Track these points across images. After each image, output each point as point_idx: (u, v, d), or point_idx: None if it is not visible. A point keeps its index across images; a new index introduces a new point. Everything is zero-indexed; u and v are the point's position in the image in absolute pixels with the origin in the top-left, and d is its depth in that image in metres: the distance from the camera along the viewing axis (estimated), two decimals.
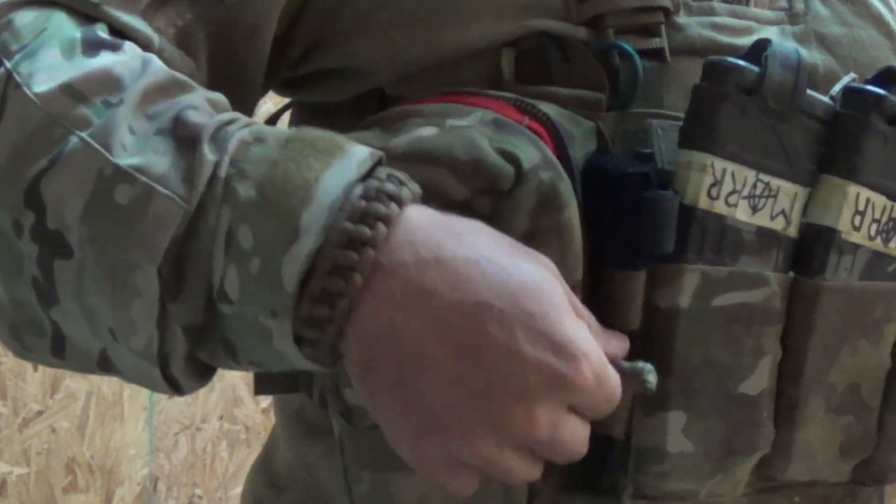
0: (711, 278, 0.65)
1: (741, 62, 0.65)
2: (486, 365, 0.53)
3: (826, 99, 0.68)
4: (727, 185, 0.65)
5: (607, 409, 0.56)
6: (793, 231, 0.68)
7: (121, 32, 0.62)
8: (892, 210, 0.69)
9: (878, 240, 0.69)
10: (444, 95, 0.65)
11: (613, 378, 0.56)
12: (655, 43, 0.69)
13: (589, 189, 0.63)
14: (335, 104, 0.73)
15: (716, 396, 0.66)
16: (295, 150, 0.55)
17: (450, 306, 0.53)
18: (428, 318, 0.53)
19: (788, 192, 0.67)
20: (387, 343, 0.53)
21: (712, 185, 0.64)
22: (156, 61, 0.60)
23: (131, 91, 0.57)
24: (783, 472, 0.70)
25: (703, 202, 0.64)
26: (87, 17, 0.62)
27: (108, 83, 0.58)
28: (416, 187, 0.56)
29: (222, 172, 0.55)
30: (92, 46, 0.59)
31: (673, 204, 0.63)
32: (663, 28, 0.69)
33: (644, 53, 0.68)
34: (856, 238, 0.68)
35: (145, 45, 0.62)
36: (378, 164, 0.55)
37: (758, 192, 0.66)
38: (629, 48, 0.68)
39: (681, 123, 0.66)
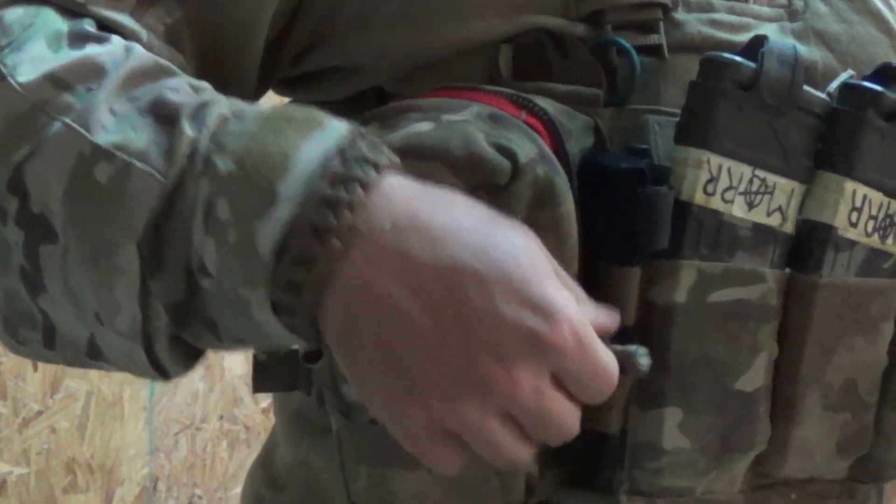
0: (707, 274, 0.65)
1: (738, 58, 0.65)
2: (463, 325, 0.52)
3: (823, 95, 0.68)
4: (723, 182, 0.65)
5: (598, 386, 0.55)
6: (789, 227, 0.68)
7: (108, 28, 0.62)
8: (888, 206, 0.69)
9: (875, 236, 0.69)
10: (440, 90, 0.65)
11: (601, 350, 0.55)
12: (653, 39, 0.69)
13: (585, 184, 0.63)
14: (334, 103, 0.73)
15: (712, 393, 0.66)
16: (274, 124, 0.55)
17: (427, 269, 0.52)
18: (405, 280, 0.52)
19: (785, 189, 0.67)
20: (365, 307, 0.53)
21: (708, 182, 0.64)
22: (139, 48, 0.60)
23: (113, 75, 0.58)
24: (780, 469, 0.70)
25: (699, 198, 0.64)
26: (74, 14, 0.62)
27: (92, 71, 0.58)
28: (394, 157, 0.56)
29: (201, 147, 0.55)
30: (78, 39, 0.60)
31: (667, 200, 0.63)
32: (661, 24, 0.69)
33: (642, 50, 0.68)
34: (852, 235, 0.68)
35: (133, 40, 0.62)
36: (357, 137, 0.55)
37: (754, 188, 0.66)
38: (627, 44, 0.68)
39: (678, 119, 0.66)
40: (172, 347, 0.57)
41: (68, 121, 0.56)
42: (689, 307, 0.65)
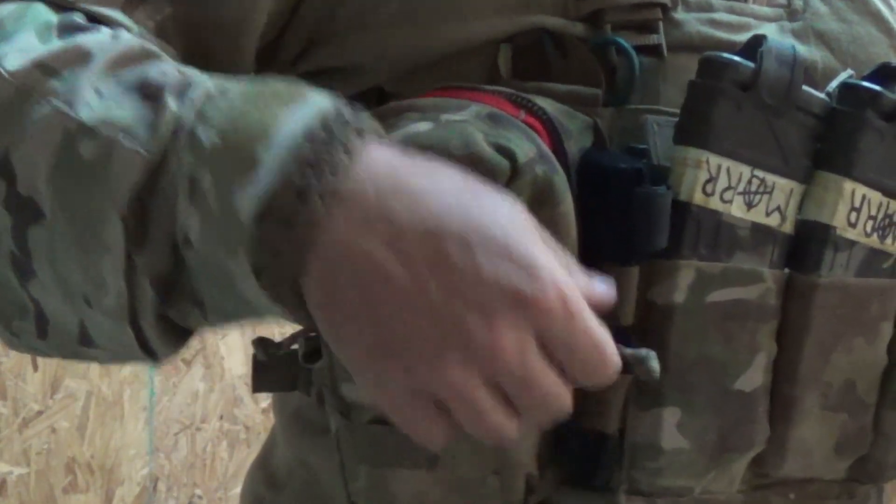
0: (706, 274, 0.65)
1: (736, 58, 0.65)
2: (445, 283, 0.51)
3: (822, 95, 0.68)
4: (722, 182, 0.65)
5: (590, 360, 0.54)
6: (788, 227, 0.68)
7: (98, 21, 0.62)
8: (887, 206, 0.69)
9: (875, 236, 0.69)
10: (439, 90, 0.65)
11: (592, 321, 0.54)
12: (653, 39, 0.69)
13: (583, 184, 0.63)
14: None
15: (711, 393, 0.66)
16: (259, 98, 0.55)
17: (409, 229, 0.52)
18: (387, 241, 0.52)
19: (784, 189, 0.67)
20: (347, 269, 0.52)
21: (707, 182, 0.64)
22: (127, 34, 0.61)
23: (100, 58, 0.58)
24: (778, 469, 0.70)
25: (698, 198, 0.64)
26: (65, 9, 0.62)
27: (79, 56, 0.58)
28: (378, 126, 0.56)
29: (186, 122, 0.54)
30: (67, 30, 0.60)
31: (665, 200, 0.63)
32: (661, 24, 0.69)
33: (641, 49, 0.68)
34: (851, 235, 0.68)
35: None
36: (340, 106, 0.55)
37: (753, 188, 0.66)
38: (626, 44, 0.68)
39: (677, 119, 0.66)
40: (160, 326, 0.57)
41: (54, 101, 0.56)
42: (688, 307, 0.65)
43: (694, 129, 0.65)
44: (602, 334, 0.54)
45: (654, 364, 0.61)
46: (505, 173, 0.59)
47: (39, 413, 2.06)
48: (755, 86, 0.65)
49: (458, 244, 0.52)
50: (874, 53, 0.75)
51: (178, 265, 0.56)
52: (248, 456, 2.28)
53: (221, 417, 2.32)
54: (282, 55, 0.71)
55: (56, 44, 0.59)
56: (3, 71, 0.58)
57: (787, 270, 0.68)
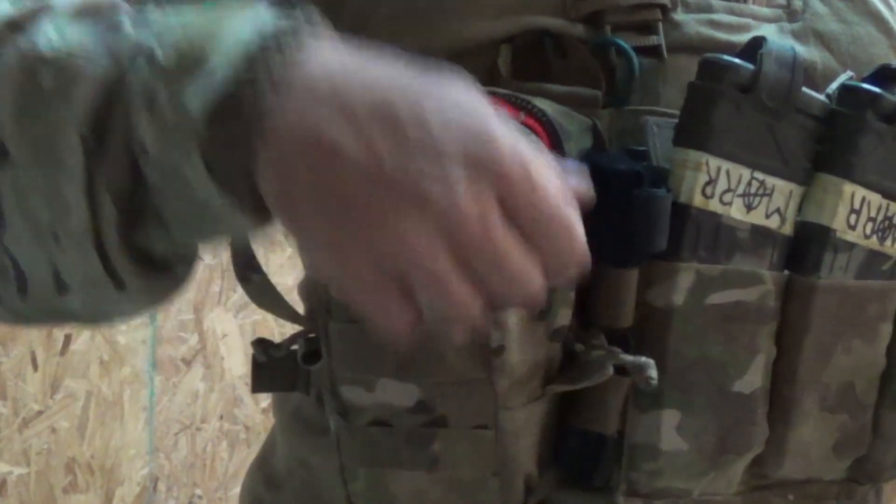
0: (706, 277, 0.65)
1: (736, 60, 0.64)
2: (399, 148, 0.50)
3: (822, 97, 0.68)
4: (722, 184, 0.65)
5: (556, 233, 0.51)
6: (788, 229, 0.68)
7: None
8: (887, 209, 0.69)
9: (874, 238, 0.69)
10: None
11: (555, 193, 0.51)
12: (652, 40, 0.69)
13: None
14: None
15: (710, 395, 0.66)
16: (211, 13, 0.55)
17: (360, 103, 0.51)
18: (337, 117, 0.51)
19: (783, 191, 0.67)
20: (298, 150, 0.51)
21: (707, 184, 0.64)
22: None
23: (63, 4, 0.58)
24: (777, 470, 0.70)
25: (698, 200, 0.64)
26: None
27: (44, 9, 0.58)
28: (328, 23, 0.55)
29: (143, 45, 0.55)
30: None
31: (665, 202, 0.63)
32: (660, 25, 0.69)
33: (641, 50, 0.68)
34: (851, 237, 0.68)
35: None
36: (291, 9, 0.54)
37: (752, 190, 0.66)
38: (626, 45, 0.68)
39: (677, 121, 0.66)
40: (125, 250, 0.57)
41: (18, 44, 0.57)
42: (688, 309, 0.65)
43: (694, 131, 0.65)
44: (569, 212, 0.52)
45: (653, 372, 0.61)
46: None
47: (39, 413, 2.06)
48: (755, 88, 0.64)
49: (410, 112, 0.50)
50: (874, 54, 0.75)
51: (138, 180, 0.55)
52: (248, 456, 2.28)
53: (221, 417, 2.32)
54: None
55: (26, 4, 0.59)
56: None
57: (786, 272, 0.68)
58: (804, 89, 0.66)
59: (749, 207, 0.66)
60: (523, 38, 0.68)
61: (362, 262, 0.51)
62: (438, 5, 0.68)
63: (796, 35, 0.73)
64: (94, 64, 0.55)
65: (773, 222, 0.67)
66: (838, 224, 0.68)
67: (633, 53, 0.67)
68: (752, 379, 0.67)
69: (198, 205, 0.54)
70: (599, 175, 0.63)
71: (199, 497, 2.32)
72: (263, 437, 0.89)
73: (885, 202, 0.69)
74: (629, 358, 0.62)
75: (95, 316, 0.63)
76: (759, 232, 0.66)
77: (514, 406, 0.64)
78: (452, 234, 0.50)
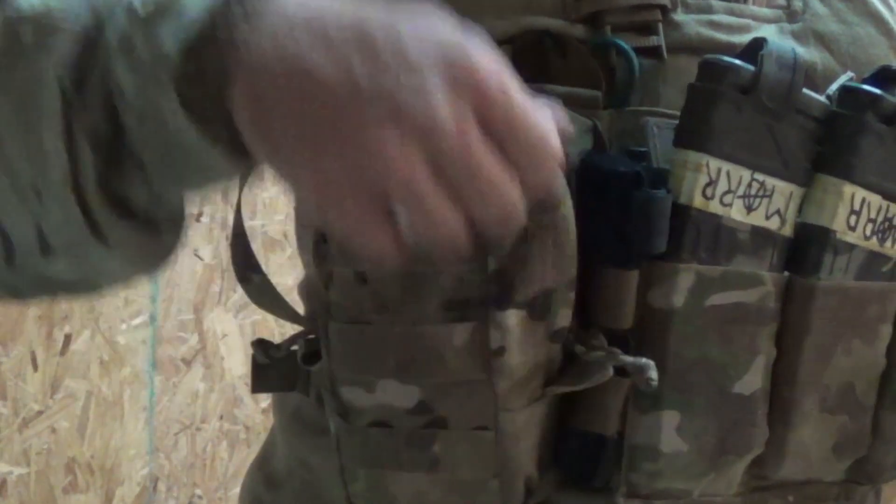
0: (706, 278, 0.65)
1: (737, 61, 0.64)
2: (372, 63, 0.50)
3: (822, 98, 0.68)
4: (722, 185, 0.65)
5: (534, 145, 0.51)
6: (788, 231, 0.68)
7: None
8: (887, 210, 0.69)
9: (874, 239, 0.69)
10: None
11: (531, 109, 0.51)
12: (652, 41, 0.69)
13: (583, 187, 0.63)
14: None
15: (710, 396, 0.66)
16: None
17: (332, 25, 0.51)
18: (309, 39, 0.50)
19: (783, 192, 0.67)
20: (271, 75, 0.51)
21: (707, 185, 0.64)
22: None
23: None
24: (777, 471, 0.70)
25: (698, 202, 0.64)
26: None
27: None
28: None
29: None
30: None
31: (665, 203, 0.63)
32: (660, 26, 0.69)
33: (641, 51, 0.68)
34: (851, 238, 0.68)
35: None
36: None
37: (753, 191, 0.66)
38: (626, 46, 0.67)
39: (677, 122, 0.66)
40: (105, 198, 0.56)
41: (2, 12, 0.57)
42: (688, 310, 0.65)
43: (694, 132, 0.64)
44: (546, 126, 0.51)
45: (653, 373, 0.61)
46: None
47: (39, 413, 2.06)
48: (755, 89, 0.64)
49: (385, 34, 0.50)
50: (874, 55, 0.75)
51: (116, 127, 0.55)
52: (248, 456, 2.28)
53: (221, 417, 2.32)
54: None
55: None
56: None
57: (786, 273, 0.68)
58: (804, 90, 0.66)
59: (749, 209, 0.66)
60: (523, 39, 0.68)
61: (343, 183, 0.50)
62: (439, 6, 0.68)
63: (796, 36, 0.73)
64: (74, 18, 0.55)
65: (774, 223, 0.67)
66: (838, 225, 0.68)
67: (633, 54, 0.67)
68: (752, 380, 0.67)
69: (175, 146, 0.54)
70: (599, 176, 0.63)
71: (199, 497, 2.32)
72: (263, 437, 0.89)
73: (885, 203, 0.69)
74: (629, 359, 0.62)
75: (83, 282, 0.62)
76: (759, 233, 0.66)
77: (515, 407, 0.64)
78: (430, 146, 0.49)
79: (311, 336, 0.71)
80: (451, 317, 0.62)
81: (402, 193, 0.50)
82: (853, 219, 0.68)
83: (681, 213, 0.64)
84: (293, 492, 0.80)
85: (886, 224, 0.69)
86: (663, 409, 0.66)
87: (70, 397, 2.09)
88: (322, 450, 0.73)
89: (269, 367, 0.74)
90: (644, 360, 0.62)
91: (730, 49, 0.68)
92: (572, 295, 0.63)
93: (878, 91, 0.67)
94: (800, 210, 0.68)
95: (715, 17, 0.71)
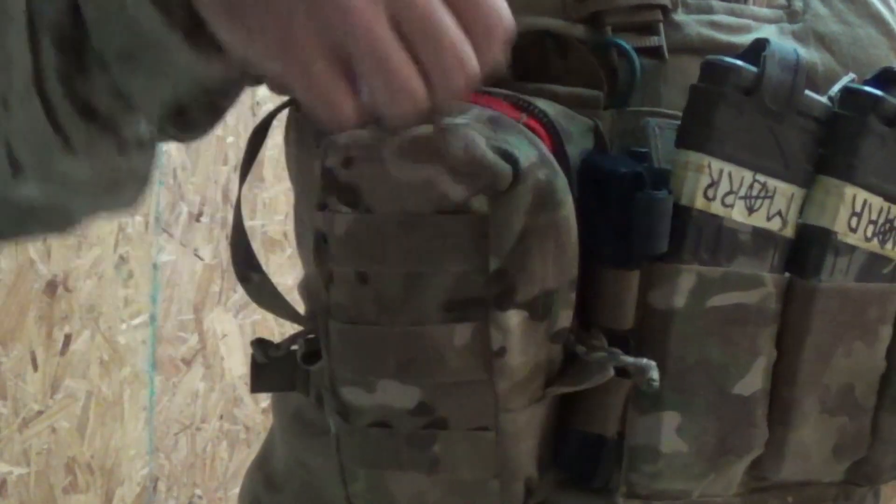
0: (707, 279, 0.65)
1: (739, 62, 0.64)
2: None
3: (824, 100, 0.68)
4: (724, 186, 0.65)
5: (484, 14, 0.52)
6: (789, 232, 0.68)
7: None
8: (888, 211, 0.69)
9: (875, 241, 0.69)
10: None
11: None
12: (653, 41, 0.68)
13: (584, 187, 0.63)
14: None
15: (710, 397, 0.66)
16: None
17: None
18: None
19: (785, 193, 0.67)
20: None
21: (709, 186, 0.64)
22: None
23: None
24: (776, 472, 0.70)
25: (700, 202, 0.64)
26: None
27: None
28: None
29: None
30: None
31: (666, 204, 0.63)
32: (661, 26, 0.69)
33: (642, 51, 0.68)
34: (852, 239, 0.68)
35: None
36: None
37: (754, 192, 0.66)
38: (627, 46, 0.67)
39: (678, 122, 0.65)
40: (68, 97, 0.56)
41: None
42: (689, 311, 0.65)
43: (696, 133, 0.65)
44: (503, 6, 0.53)
45: (654, 374, 0.61)
46: (507, 178, 0.59)
47: (39, 413, 2.06)
48: (757, 90, 0.64)
49: None
50: (875, 55, 0.75)
51: (78, 22, 0.55)
52: (248, 456, 2.28)
53: (221, 417, 2.32)
54: None
55: None
56: None
57: (787, 275, 0.68)
58: (806, 92, 0.66)
59: (751, 210, 0.66)
60: (524, 39, 0.68)
61: (305, 43, 0.51)
62: None
63: (797, 36, 0.73)
64: None
65: (775, 225, 0.67)
66: (839, 227, 0.68)
67: (634, 54, 0.67)
68: (753, 381, 0.67)
69: (136, 35, 0.54)
70: (601, 176, 0.63)
71: (199, 497, 2.32)
72: (263, 437, 0.89)
73: (886, 205, 0.69)
74: (630, 359, 0.62)
75: (55, 212, 0.62)
76: (760, 234, 0.66)
77: (515, 408, 0.63)
78: (395, 5, 0.50)
79: (311, 335, 0.70)
80: (451, 317, 0.62)
81: (367, 52, 0.50)
82: (854, 220, 0.68)
83: (682, 213, 0.64)
84: (293, 492, 0.80)
85: (887, 226, 0.69)
86: (663, 409, 0.66)
87: (70, 397, 2.09)
88: (322, 450, 0.73)
89: (268, 367, 0.74)
90: (645, 360, 0.62)
91: (730, 49, 0.68)
92: (573, 295, 0.63)
93: (879, 93, 0.68)
94: (801, 211, 0.68)
95: (715, 18, 0.71)
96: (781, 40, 0.70)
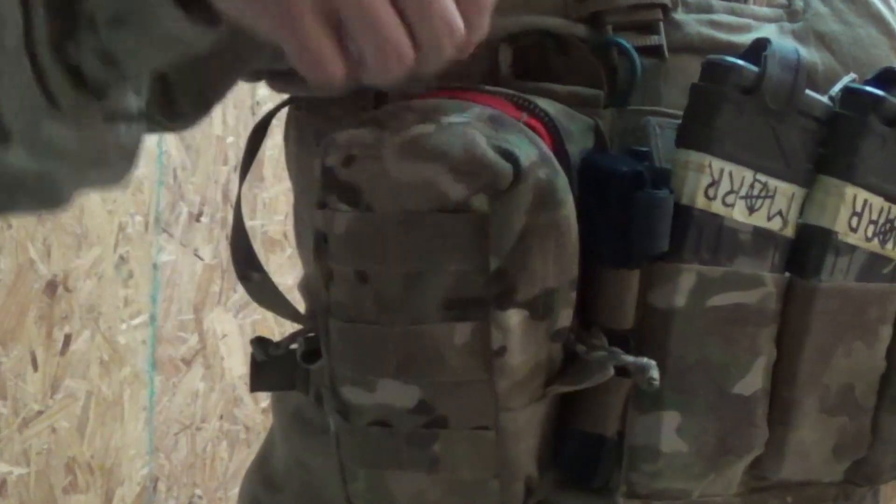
0: (707, 278, 0.65)
1: (740, 62, 0.64)
2: None
3: (824, 99, 0.68)
4: (724, 185, 0.65)
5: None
6: (789, 232, 0.68)
7: None
8: (889, 211, 0.69)
9: (875, 241, 0.69)
10: (441, 91, 0.65)
11: None
12: (654, 40, 0.68)
13: (584, 186, 0.63)
14: (332, 100, 0.73)
15: (710, 396, 0.66)
16: None
17: None
18: None
19: (786, 193, 0.67)
20: None
21: (710, 185, 0.64)
22: None
23: None
24: (776, 472, 0.70)
25: (701, 202, 0.64)
26: None
27: None
28: None
29: None
30: None
31: (667, 203, 0.63)
32: (661, 25, 0.69)
33: (642, 50, 0.68)
34: (853, 239, 0.68)
35: None
36: None
37: (755, 192, 0.66)
38: (628, 45, 0.67)
39: (679, 121, 0.65)
40: (57, 61, 0.56)
41: None
42: (689, 311, 0.65)
43: (697, 132, 0.64)
44: None
45: (655, 373, 0.61)
46: (508, 177, 0.59)
47: (39, 413, 2.06)
48: (758, 90, 0.64)
49: None
50: (875, 55, 0.75)
51: None
52: (248, 456, 2.28)
53: (221, 417, 2.32)
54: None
55: None
56: None
57: (787, 274, 0.68)
58: (807, 92, 0.66)
59: (751, 209, 0.66)
60: (524, 38, 0.68)
61: (303, 8, 0.51)
62: None
63: (797, 35, 0.73)
64: None
65: (775, 224, 0.67)
66: (840, 226, 0.68)
67: (635, 53, 0.67)
68: (753, 381, 0.67)
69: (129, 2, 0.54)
70: (601, 175, 0.63)
71: (199, 497, 2.32)
72: (263, 436, 0.89)
73: (886, 205, 0.69)
74: (630, 358, 0.62)
75: (42, 180, 0.62)
76: (760, 234, 0.66)
77: (515, 407, 0.63)
78: None
79: (311, 334, 0.70)
80: (451, 316, 0.62)
81: (357, 10, 0.51)
82: (855, 220, 0.68)
83: (683, 213, 0.64)
84: (293, 492, 0.80)
85: (888, 226, 0.69)
86: (663, 409, 0.66)
87: (70, 397, 2.09)
88: (322, 450, 0.73)
89: (267, 366, 0.74)
90: (645, 359, 0.62)
91: (730, 48, 0.68)
92: (574, 295, 0.63)
93: (880, 93, 0.67)
94: (801, 211, 0.68)
95: (715, 17, 0.71)
96: (781, 40, 0.70)
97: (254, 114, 2.29)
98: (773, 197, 0.66)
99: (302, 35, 0.52)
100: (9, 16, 0.55)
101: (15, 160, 0.60)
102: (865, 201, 0.68)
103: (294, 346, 0.72)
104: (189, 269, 2.25)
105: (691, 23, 0.70)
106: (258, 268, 0.72)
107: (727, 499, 0.70)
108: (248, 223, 0.74)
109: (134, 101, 0.61)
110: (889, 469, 0.74)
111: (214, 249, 2.28)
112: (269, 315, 2.27)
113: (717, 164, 0.64)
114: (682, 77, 0.67)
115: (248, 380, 0.76)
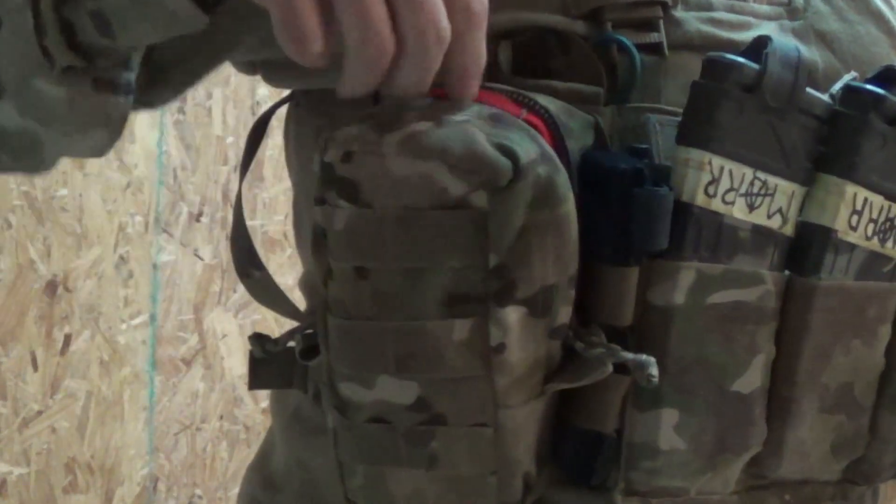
0: (707, 276, 0.65)
1: (741, 59, 0.64)
2: None
3: (825, 97, 0.68)
4: (724, 183, 0.65)
5: None
6: (789, 230, 0.68)
7: None
8: (889, 210, 0.69)
9: (875, 240, 0.69)
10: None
11: None
12: (654, 37, 0.68)
13: (584, 183, 0.63)
14: (332, 98, 0.73)
15: (709, 394, 0.66)
16: None
17: None
18: None
19: (786, 191, 0.67)
20: None
21: (710, 183, 0.64)
22: None
23: None
24: (775, 470, 0.70)
25: (700, 199, 0.64)
26: None
27: None
28: None
29: None
30: None
31: (666, 200, 0.63)
32: (661, 22, 0.69)
33: (642, 48, 0.68)
34: (852, 238, 0.68)
35: None
36: None
37: (755, 189, 0.66)
38: (627, 42, 0.67)
39: (679, 119, 0.65)
40: (57, 20, 0.58)
41: None
42: (688, 308, 0.65)
43: (697, 129, 0.64)
44: None
45: (654, 370, 0.61)
46: (507, 174, 0.59)
47: (39, 413, 2.06)
48: (759, 88, 0.64)
49: None
50: (876, 53, 0.75)
51: None
52: (248, 456, 2.28)
53: (221, 417, 2.32)
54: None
55: None
56: None
57: (787, 273, 0.68)
58: (808, 90, 0.66)
59: (751, 207, 0.66)
60: (525, 35, 0.68)
61: None
62: None
63: (797, 33, 0.73)
64: None
65: (775, 222, 0.67)
66: (840, 225, 0.67)
67: (635, 50, 0.67)
68: (752, 379, 0.67)
69: None
70: (601, 172, 0.63)
71: (199, 497, 2.31)
72: (263, 436, 0.89)
73: (886, 204, 0.69)
74: (629, 355, 0.62)
75: (28, 138, 0.63)
76: (760, 232, 0.66)
77: (514, 404, 0.63)
78: None
79: (309, 331, 0.70)
80: (450, 313, 0.61)
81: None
82: (855, 219, 0.68)
83: (683, 210, 0.64)
84: (292, 492, 0.80)
85: (888, 224, 0.69)
86: (662, 407, 0.65)
87: (70, 397, 2.09)
88: (321, 450, 0.73)
89: (266, 363, 0.73)
90: (644, 356, 0.61)
91: (730, 46, 0.68)
92: (573, 292, 0.62)
93: (881, 91, 0.67)
94: (801, 209, 0.68)
95: (715, 14, 0.71)
96: (782, 37, 0.70)
97: (254, 114, 2.29)
98: (772, 195, 0.66)
99: (290, 3, 0.53)
100: None
101: (3, 118, 0.61)
102: (865, 200, 0.68)
103: (292, 343, 0.72)
104: (189, 269, 2.25)
105: (691, 20, 0.70)
106: (259, 265, 0.72)
107: (725, 497, 0.70)
108: (248, 223, 0.74)
109: (123, 74, 0.62)
110: (887, 468, 0.74)
111: (214, 249, 2.28)
112: (270, 315, 2.27)
113: (717, 161, 0.64)
114: (682, 74, 0.67)
115: (247, 378, 0.76)
